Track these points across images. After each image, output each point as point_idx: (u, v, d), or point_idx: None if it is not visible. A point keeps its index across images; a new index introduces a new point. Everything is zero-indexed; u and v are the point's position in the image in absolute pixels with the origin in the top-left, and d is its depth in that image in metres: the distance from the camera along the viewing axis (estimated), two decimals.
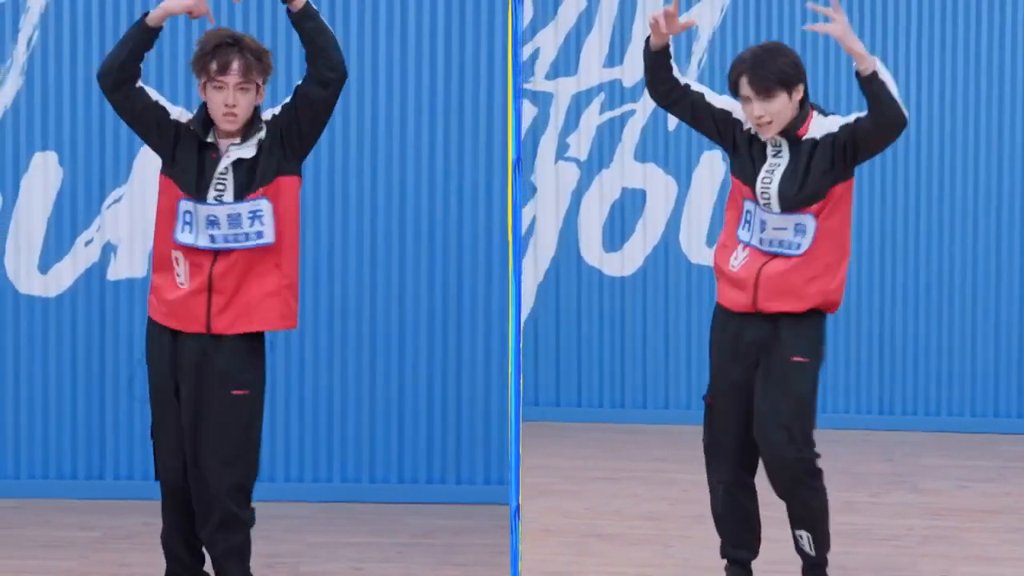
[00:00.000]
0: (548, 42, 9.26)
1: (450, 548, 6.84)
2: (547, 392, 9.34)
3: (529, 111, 9.26)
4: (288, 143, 5.47)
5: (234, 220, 5.46)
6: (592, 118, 9.24)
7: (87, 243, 7.76)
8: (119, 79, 5.43)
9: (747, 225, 5.57)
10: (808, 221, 5.48)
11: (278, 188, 5.48)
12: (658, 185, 9.20)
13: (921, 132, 9.09)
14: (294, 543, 6.91)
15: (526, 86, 9.22)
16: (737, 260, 5.61)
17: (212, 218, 5.46)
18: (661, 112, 9.06)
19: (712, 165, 9.20)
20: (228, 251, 5.50)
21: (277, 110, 5.51)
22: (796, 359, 5.56)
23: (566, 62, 9.27)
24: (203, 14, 5.43)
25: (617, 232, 9.24)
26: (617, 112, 9.23)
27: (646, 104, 9.14)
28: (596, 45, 9.23)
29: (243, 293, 5.52)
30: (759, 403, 5.61)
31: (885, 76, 5.37)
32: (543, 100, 9.29)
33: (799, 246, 5.49)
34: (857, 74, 5.36)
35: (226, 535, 5.61)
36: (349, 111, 7.70)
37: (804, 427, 5.57)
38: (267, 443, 7.56)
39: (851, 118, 5.48)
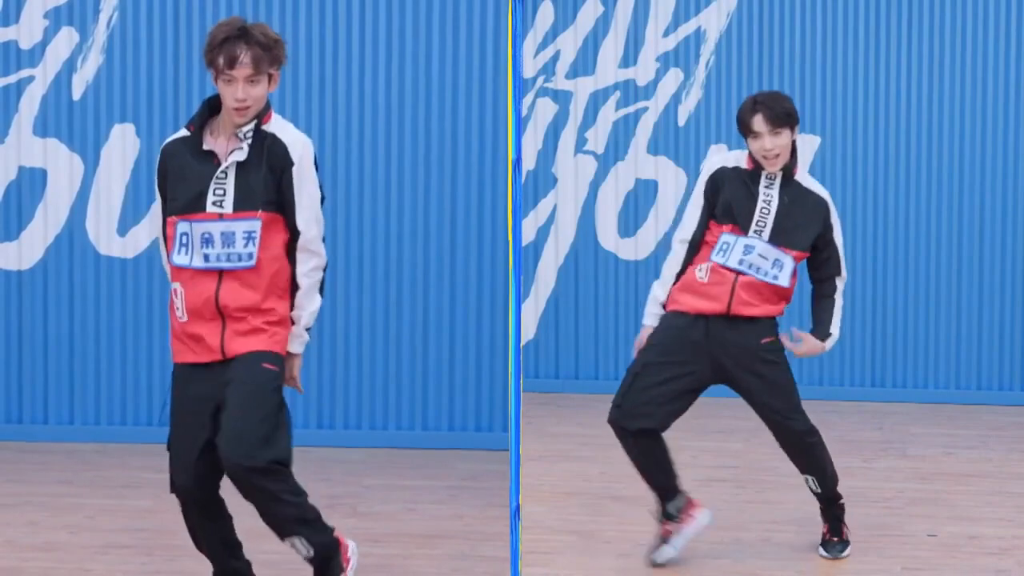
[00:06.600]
0: (568, 44, 9.52)
1: (497, 490, 7.01)
2: (567, 367, 9.57)
3: (550, 108, 9.53)
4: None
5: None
6: (608, 114, 9.54)
7: None
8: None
9: (722, 252, 5.92)
10: (787, 261, 5.94)
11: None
12: (668, 176, 9.47)
13: (921, 123, 9.45)
14: (351, 485, 7.14)
15: (547, 85, 9.52)
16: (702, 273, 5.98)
17: None
18: (672, 108, 9.47)
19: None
20: None
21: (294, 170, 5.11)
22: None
23: (584, 63, 9.54)
24: None
25: (631, 219, 9.49)
26: (631, 109, 9.51)
27: (657, 101, 9.49)
28: (612, 47, 9.51)
29: None
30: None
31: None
32: (563, 98, 9.52)
33: (775, 277, 5.92)
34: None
35: None
36: (357, 111, 7.99)
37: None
38: (327, 392, 7.90)
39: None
